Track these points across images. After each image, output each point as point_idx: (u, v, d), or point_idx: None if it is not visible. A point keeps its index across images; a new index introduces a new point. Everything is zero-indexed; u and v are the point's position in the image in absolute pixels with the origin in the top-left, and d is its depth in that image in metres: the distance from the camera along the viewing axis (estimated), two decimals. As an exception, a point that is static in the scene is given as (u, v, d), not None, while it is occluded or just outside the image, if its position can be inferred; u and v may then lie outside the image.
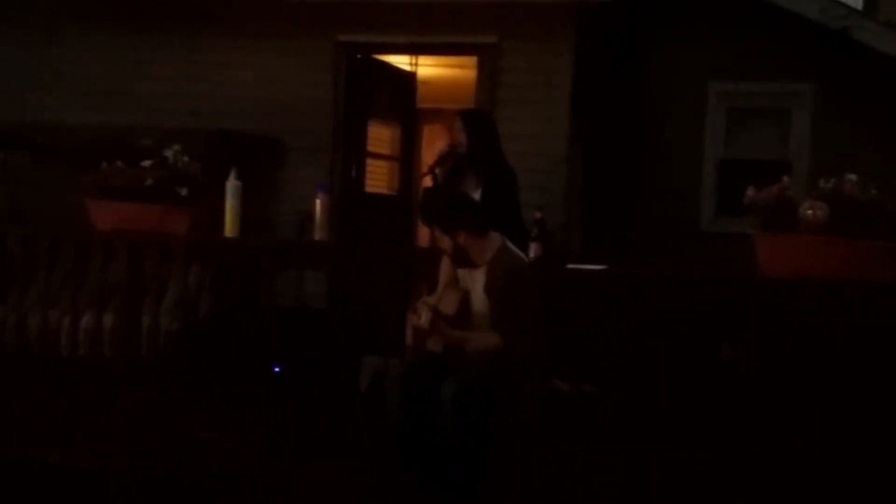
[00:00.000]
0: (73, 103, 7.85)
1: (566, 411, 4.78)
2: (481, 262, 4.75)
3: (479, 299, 4.73)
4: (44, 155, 7.82)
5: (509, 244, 4.83)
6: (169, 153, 5.71)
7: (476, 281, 4.76)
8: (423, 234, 7.99)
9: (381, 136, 8.12)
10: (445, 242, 4.75)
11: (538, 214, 5.47)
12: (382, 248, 6.06)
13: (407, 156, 8.39)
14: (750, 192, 4.77)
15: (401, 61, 8.25)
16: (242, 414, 5.29)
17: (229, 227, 5.64)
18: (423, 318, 4.64)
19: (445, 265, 4.90)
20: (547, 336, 4.74)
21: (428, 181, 5.85)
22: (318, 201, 5.73)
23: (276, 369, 5.54)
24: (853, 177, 4.63)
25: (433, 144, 8.63)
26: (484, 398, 4.55)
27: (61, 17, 8.02)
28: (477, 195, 5.54)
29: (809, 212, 4.52)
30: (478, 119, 5.97)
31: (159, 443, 5.23)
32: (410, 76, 8.34)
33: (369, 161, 7.92)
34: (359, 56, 7.70)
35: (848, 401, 4.48)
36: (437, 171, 5.72)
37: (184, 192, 5.63)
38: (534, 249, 5.30)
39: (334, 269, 5.95)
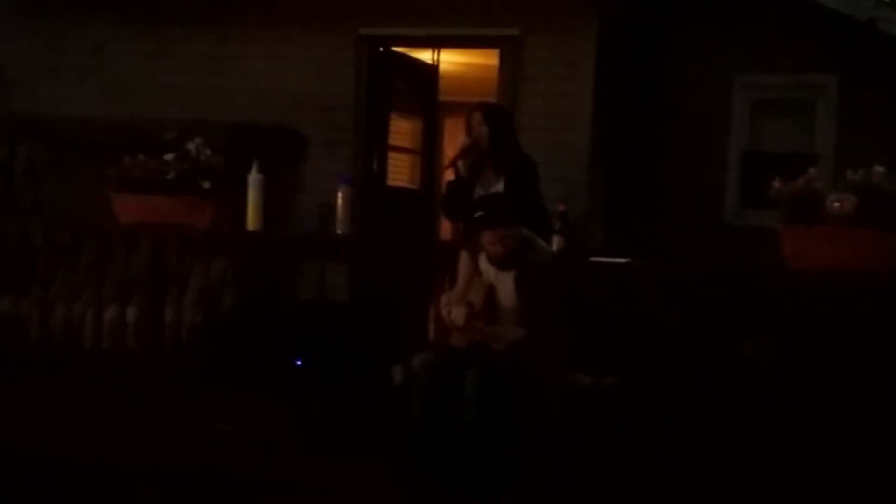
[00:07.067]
0: (93, 96, 7.87)
1: (588, 405, 4.75)
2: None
3: (507, 293, 4.69)
4: (65, 148, 7.84)
5: (534, 236, 4.81)
6: (191, 146, 5.70)
7: (505, 275, 4.72)
8: (445, 228, 7.97)
9: (402, 130, 8.10)
10: (508, 242, 4.65)
11: (562, 207, 5.44)
12: (404, 242, 6.03)
13: (428, 149, 8.36)
14: (776, 184, 4.72)
15: (422, 55, 8.23)
16: (263, 407, 5.28)
17: (252, 221, 5.63)
18: (455, 314, 4.59)
19: (464, 260, 4.86)
20: (569, 329, 4.71)
21: (450, 174, 5.82)
22: (339, 194, 5.71)
23: (298, 363, 5.53)
24: (881, 168, 4.57)
25: (454, 138, 8.60)
26: (506, 390, 4.53)
27: (82, 9, 8.04)
28: (499, 188, 5.51)
29: (836, 204, 4.47)
30: (498, 112, 5.94)
31: (178, 435, 5.22)
32: (432, 69, 8.31)
33: (391, 154, 7.90)
34: (380, 49, 7.68)
35: (875, 396, 4.43)
36: (459, 163, 5.68)
37: (206, 185, 5.62)
38: (557, 242, 5.28)
39: (356, 262, 5.93)
